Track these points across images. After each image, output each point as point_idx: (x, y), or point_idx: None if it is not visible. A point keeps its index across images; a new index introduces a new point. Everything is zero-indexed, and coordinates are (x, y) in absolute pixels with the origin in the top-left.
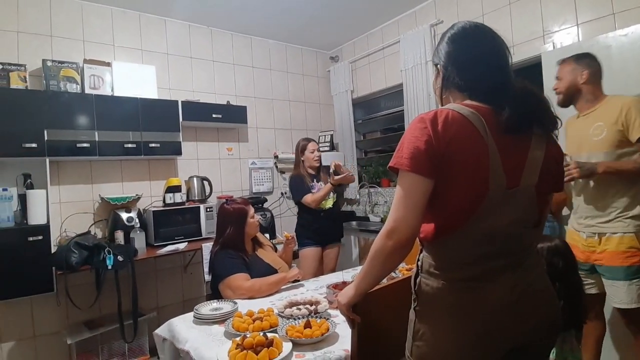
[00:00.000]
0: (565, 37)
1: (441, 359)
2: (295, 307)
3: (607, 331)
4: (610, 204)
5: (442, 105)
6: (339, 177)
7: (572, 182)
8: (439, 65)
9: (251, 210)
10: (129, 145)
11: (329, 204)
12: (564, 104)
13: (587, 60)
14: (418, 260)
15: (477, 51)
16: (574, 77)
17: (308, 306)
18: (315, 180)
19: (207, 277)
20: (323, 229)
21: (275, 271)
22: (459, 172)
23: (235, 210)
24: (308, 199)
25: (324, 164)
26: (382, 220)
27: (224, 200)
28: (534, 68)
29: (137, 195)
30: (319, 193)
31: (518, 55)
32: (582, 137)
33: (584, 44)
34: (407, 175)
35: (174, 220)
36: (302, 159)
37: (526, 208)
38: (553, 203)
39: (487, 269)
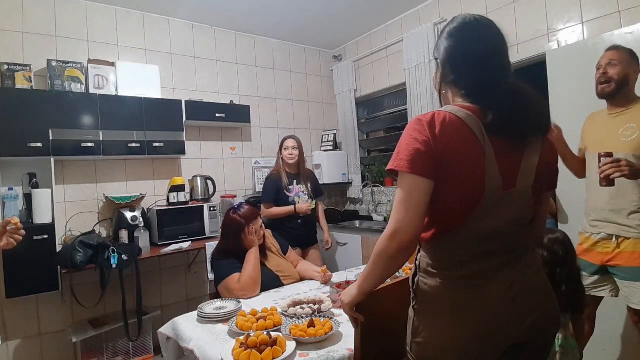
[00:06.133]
0: (570, 35)
1: (440, 355)
2: (298, 307)
3: (622, 330)
4: (626, 206)
5: (442, 101)
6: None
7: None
8: (438, 60)
9: (250, 225)
10: (133, 145)
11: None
12: (612, 94)
13: (637, 59)
14: (416, 259)
15: (475, 48)
16: (630, 69)
17: (312, 305)
18: (295, 182)
19: (211, 276)
20: (300, 233)
21: (276, 277)
22: (456, 174)
23: (232, 222)
24: (264, 208)
25: (315, 162)
26: (386, 220)
27: (234, 206)
28: (538, 66)
29: (141, 194)
30: (276, 210)
31: (522, 53)
32: (609, 136)
33: (589, 42)
34: (408, 177)
35: (178, 220)
36: (281, 156)
37: (522, 208)
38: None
39: (485, 267)
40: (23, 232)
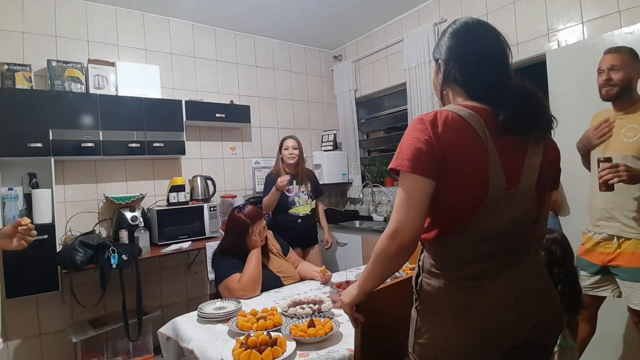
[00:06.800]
0: (570, 35)
1: (443, 356)
2: (299, 307)
3: (623, 331)
4: (628, 206)
5: (441, 101)
6: (283, 179)
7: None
8: (439, 60)
9: (255, 225)
10: (133, 145)
11: (306, 210)
12: (617, 97)
13: (638, 58)
14: (419, 260)
15: (479, 47)
16: (633, 72)
17: (312, 305)
18: (295, 182)
19: (211, 277)
20: (301, 233)
21: (277, 277)
22: (458, 174)
23: (237, 221)
24: (262, 203)
25: (315, 162)
26: (386, 220)
27: (239, 205)
28: (538, 66)
29: (141, 194)
30: (267, 198)
31: (522, 53)
32: (611, 137)
33: (589, 42)
34: (409, 177)
35: (178, 220)
36: (281, 156)
37: (526, 208)
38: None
39: (487, 267)
40: (34, 232)
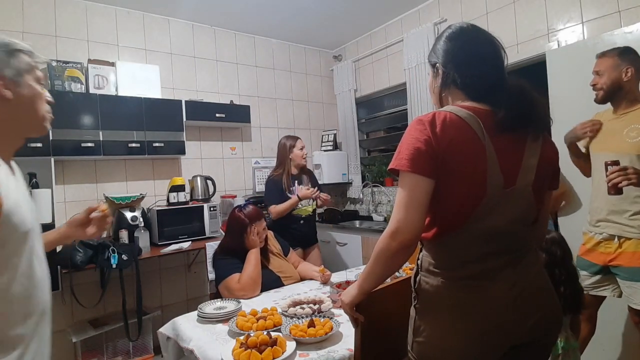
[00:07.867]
0: (570, 35)
1: (441, 354)
2: (298, 307)
3: (623, 331)
4: (629, 206)
5: (440, 104)
6: (310, 193)
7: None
8: (437, 64)
9: (254, 225)
10: (133, 145)
11: (308, 210)
12: (604, 101)
13: (631, 56)
14: (418, 259)
15: (476, 49)
16: (618, 74)
17: (312, 305)
18: (297, 182)
19: (211, 276)
20: (302, 234)
21: (277, 277)
22: (457, 174)
23: (236, 220)
24: (271, 209)
25: (315, 162)
26: (386, 220)
27: (241, 204)
28: (538, 66)
29: (141, 194)
30: (283, 206)
31: (522, 53)
32: (613, 137)
33: (589, 42)
34: (408, 176)
35: (178, 220)
36: (291, 157)
37: (524, 207)
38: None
39: (487, 267)
40: (111, 218)
